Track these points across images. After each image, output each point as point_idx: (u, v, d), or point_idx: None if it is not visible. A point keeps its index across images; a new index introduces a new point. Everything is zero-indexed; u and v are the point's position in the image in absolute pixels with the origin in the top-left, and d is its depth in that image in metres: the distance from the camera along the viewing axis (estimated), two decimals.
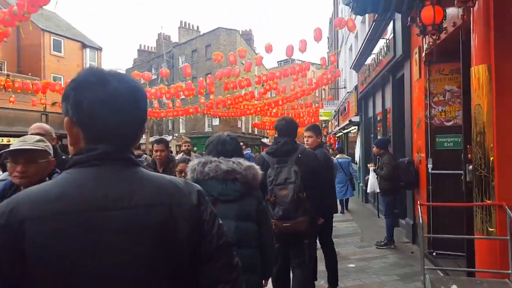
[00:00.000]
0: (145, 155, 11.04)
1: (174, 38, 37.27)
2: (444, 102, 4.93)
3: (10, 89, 13.00)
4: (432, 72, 4.98)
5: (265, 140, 37.27)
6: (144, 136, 21.86)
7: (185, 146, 5.85)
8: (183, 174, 3.16)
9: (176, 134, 31.97)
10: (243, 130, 32.77)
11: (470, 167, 3.13)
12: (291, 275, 3.06)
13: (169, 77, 19.55)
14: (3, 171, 2.64)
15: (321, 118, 21.05)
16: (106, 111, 0.84)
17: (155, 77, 28.49)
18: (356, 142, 12.09)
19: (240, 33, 32.53)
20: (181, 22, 36.17)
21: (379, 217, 7.64)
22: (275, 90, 15.42)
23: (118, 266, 0.78)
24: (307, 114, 24.02)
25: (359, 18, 10.55)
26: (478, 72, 2.87)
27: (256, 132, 36.58)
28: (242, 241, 1.84)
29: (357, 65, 10.31)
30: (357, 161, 11.49)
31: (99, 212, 0.79)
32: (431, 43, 4.53)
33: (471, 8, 2.93)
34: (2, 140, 15.96)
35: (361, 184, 10.44)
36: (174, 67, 31.48)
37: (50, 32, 22.48)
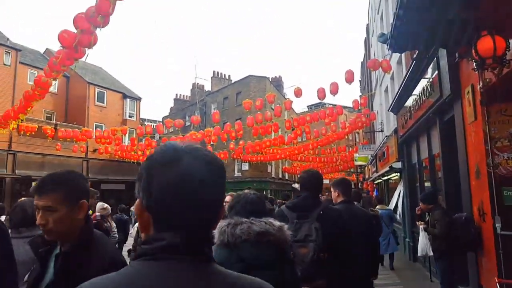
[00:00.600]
0: None
1: (207, 87, 38.95)
2: (509, 147, 4.26)
3: (53, 138, 14.84)
4: (492, 113, 4.34)
5: (295, 186, 36.48)
6: None
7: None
8: None
9: None
10: (273, 175, 32.55)
11: None
12: None
13: (201, 124, 19.98)
14: None
15: (356, 163, 20.22)
16: (174, 194, 0.74)
17: (188, 123, 29.36)
18: (397, 190, 11.04)
19: (270, 79, 33.28)
20: (213, 72, 37.84)
21: (431, 281, 6.57)
22: (307, 133, 15.42)
23: None
24: (341, 159, 23.36)
25: (394, 58, 10.15)
26: None
27: (286, 177, 36.17)
28: None
29: (396, 107, 9.61)
30: (399, 213, 10.40)
31: None
32: (487, 79, 3.89)
33: None
34: None
35: (407, 239, 9.29)
36: (207, 114, 32.48)
37: (95, 85, 24.83)
